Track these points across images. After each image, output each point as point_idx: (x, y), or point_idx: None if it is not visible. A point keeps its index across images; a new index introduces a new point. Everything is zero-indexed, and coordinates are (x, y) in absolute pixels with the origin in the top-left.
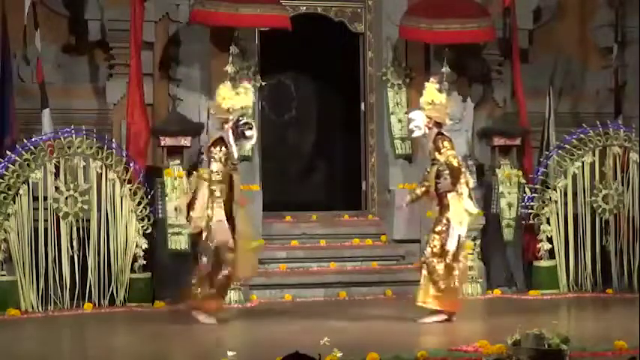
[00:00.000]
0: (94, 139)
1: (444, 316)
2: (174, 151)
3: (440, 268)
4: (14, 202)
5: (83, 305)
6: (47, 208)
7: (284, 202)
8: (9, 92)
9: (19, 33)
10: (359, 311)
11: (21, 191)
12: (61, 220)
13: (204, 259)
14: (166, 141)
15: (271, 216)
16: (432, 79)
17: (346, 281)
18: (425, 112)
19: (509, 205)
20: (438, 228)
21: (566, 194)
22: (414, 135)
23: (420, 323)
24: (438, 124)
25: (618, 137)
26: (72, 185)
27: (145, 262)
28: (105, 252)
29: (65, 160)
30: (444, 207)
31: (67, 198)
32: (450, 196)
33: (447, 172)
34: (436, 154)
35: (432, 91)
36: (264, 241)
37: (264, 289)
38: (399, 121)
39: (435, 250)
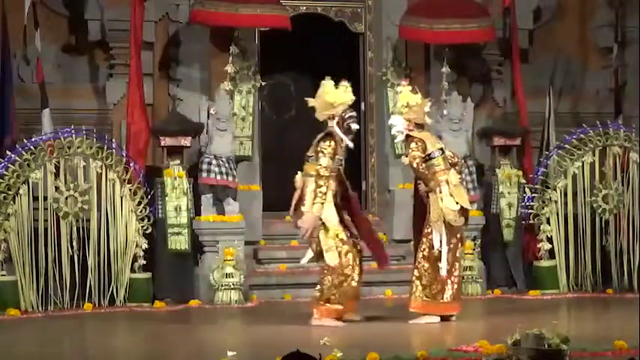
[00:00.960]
0: (94, 139)
1: (436, 318)
2: (174, 151)
3: (429, 271)
4: (14, 202)
5: (83, 305)
6: (47, 208)
7: (284, 202)
8: (9, 92)
9: (19, 33)
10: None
11: (21, 191)
12: (61, 220)
13: (336, 259)
14: (166, 141)
15: (271, 216)
16: (403, 83)
17: None
18: (403, 116)
19: (509, 205)
20: (425, 230)
21: (566, 194)
22: (397, 140)
23: (413, 324)
24: (419, 125)
25: (618, 137)
26: (72, 185)
27: (145, 262)
28: (105, 252)
29: (65, 160)
30: (430, 209)
31: (67, 198)
32: (430, 196)
33: None
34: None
35: (406, 94)
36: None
37: (264, 289)
38: None
39: (424, 253)
